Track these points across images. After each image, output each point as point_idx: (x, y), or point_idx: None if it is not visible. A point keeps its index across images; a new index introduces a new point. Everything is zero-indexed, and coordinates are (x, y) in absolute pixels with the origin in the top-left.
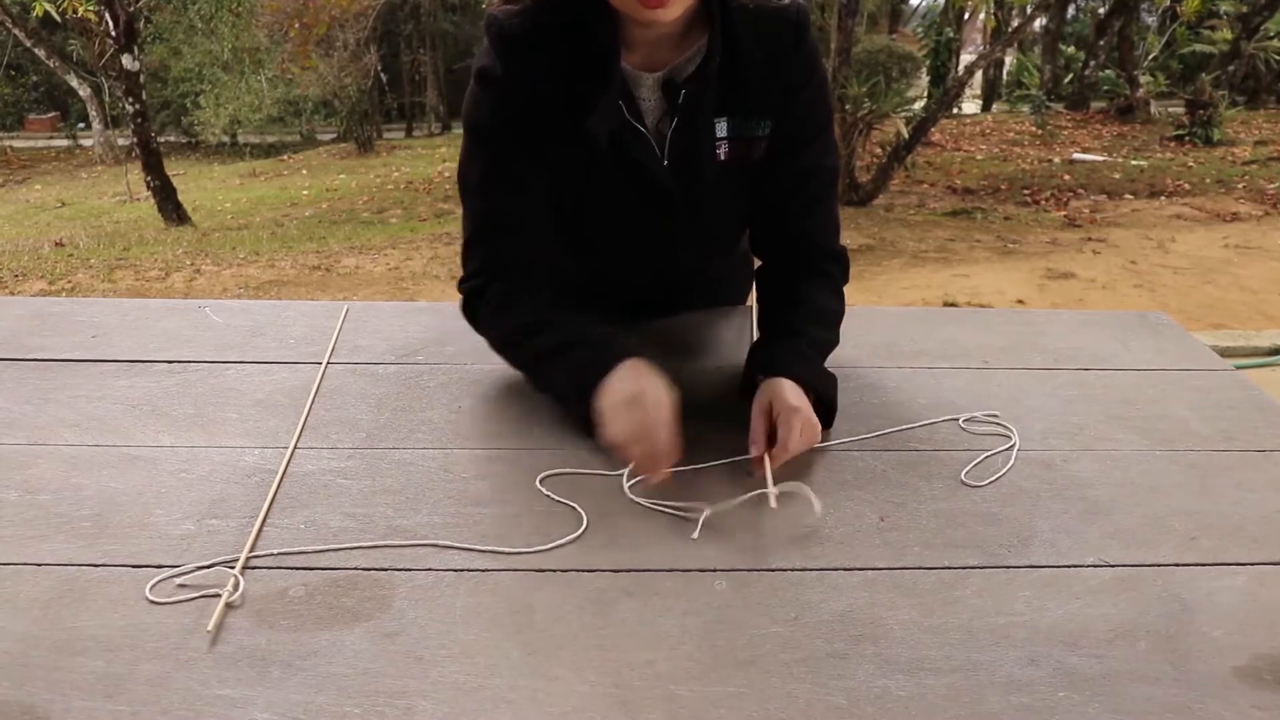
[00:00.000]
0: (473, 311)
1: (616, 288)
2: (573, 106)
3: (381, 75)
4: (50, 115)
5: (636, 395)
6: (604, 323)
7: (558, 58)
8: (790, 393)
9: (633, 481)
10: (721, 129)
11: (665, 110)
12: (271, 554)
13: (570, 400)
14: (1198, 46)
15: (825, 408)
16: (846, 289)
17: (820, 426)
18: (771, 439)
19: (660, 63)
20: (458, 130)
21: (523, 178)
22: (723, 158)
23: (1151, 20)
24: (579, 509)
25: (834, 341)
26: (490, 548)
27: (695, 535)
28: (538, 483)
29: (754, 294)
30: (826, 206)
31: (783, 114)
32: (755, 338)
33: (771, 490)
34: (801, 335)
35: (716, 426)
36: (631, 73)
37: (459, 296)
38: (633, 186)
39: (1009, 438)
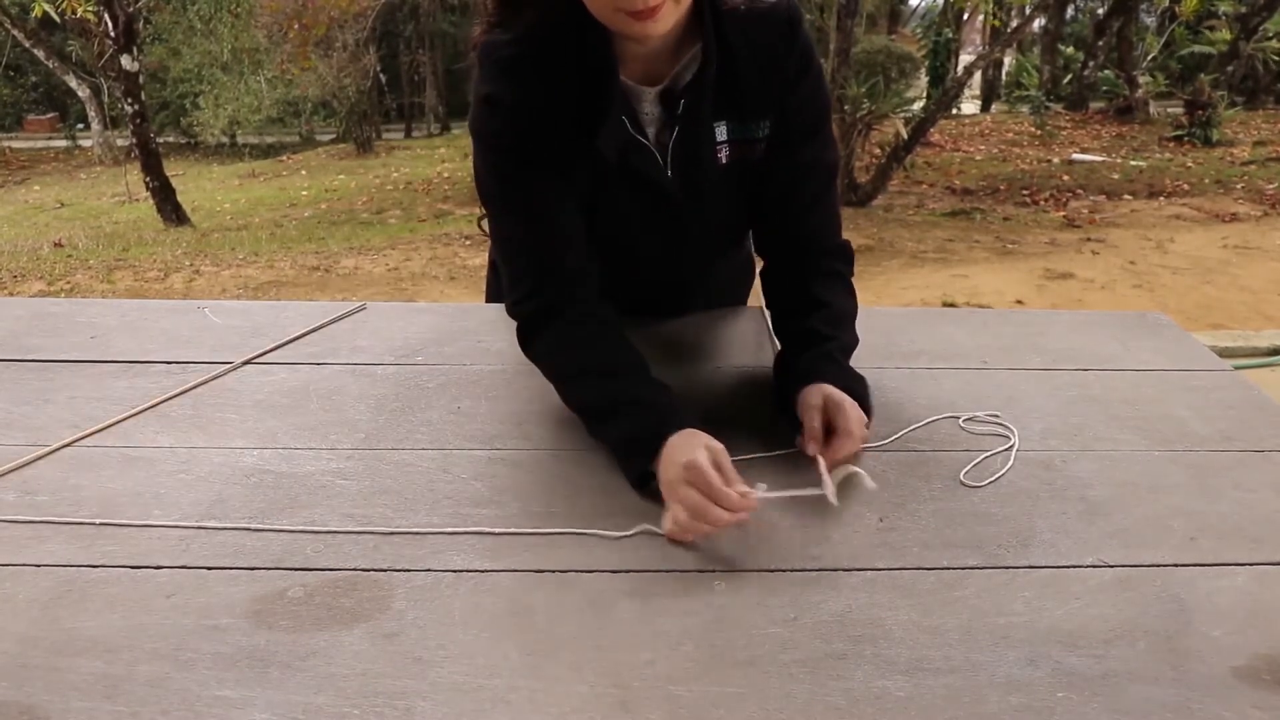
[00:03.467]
0: (527, 339)
1: (623, 290)
2: (579, 125)
3: (380, 76)
4: (49, 116)
5: (691, 464)
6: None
7: (557, 79)
8: (835, 391)
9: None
10: (721, 133)
11: (665, 121)
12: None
13: (622, 457)
14: (1196, 47)
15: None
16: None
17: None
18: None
19: (658, 75)
20: (457, 130)
21: (555, 193)
22: (724, 161)
23: (1150, 21)
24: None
25: (856, 342)
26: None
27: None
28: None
29: (757, 295)
30: (828, 202)
31: (780, 111)
32: (774, 345)
33: (830, 490)
34: (829, 340)
35: (724, 426)
36: (632, 87)
37: (514, 321)
38: (640, 197)
39: (1009, 438)
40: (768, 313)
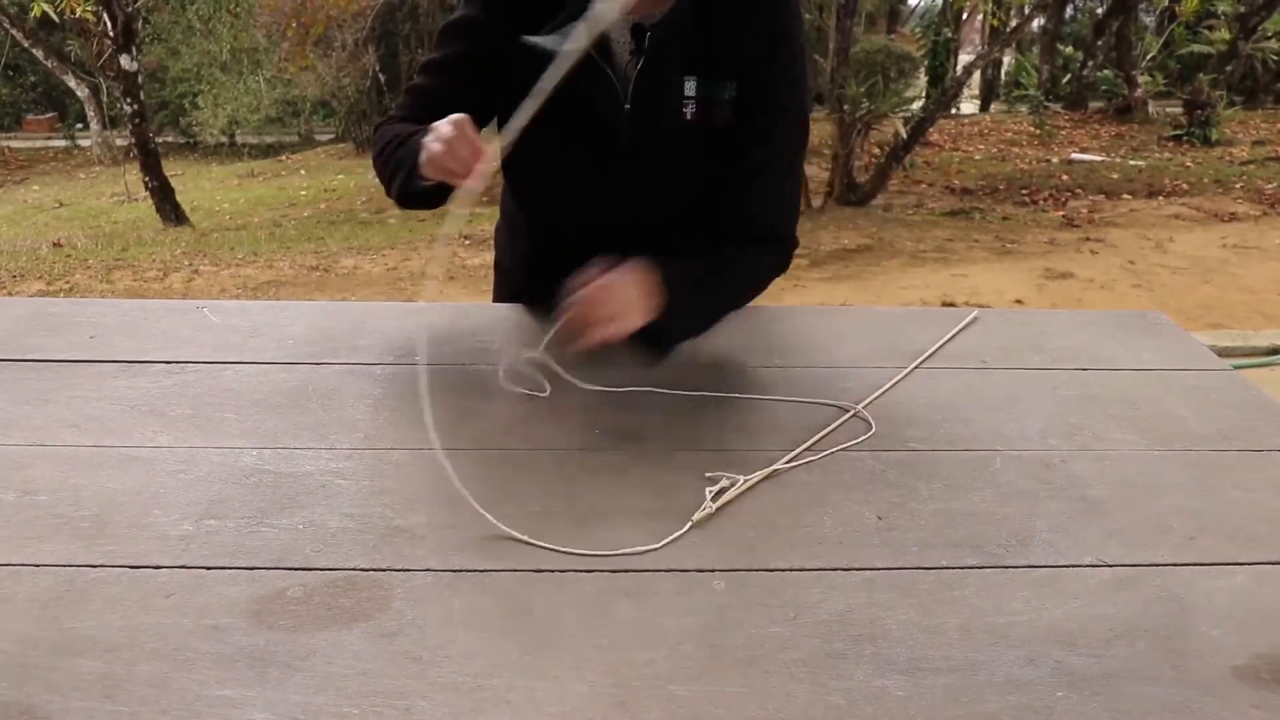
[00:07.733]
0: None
1: (573, 251)
2: (531, 26)
3: (380, 75)
4: (48, 116)
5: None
6: None
7: None
8: (627, 272)
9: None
10: (690, 88)
11: (632, 54)
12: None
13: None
14: (1196, 46)
15: (650, 334)
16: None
17: (623, 323)
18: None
19: (634, 10)
20: None
21: (464, 78)
22: (689, 117)
23: (1149, 20)
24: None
25: (708, 298)
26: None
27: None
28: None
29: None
30: (773, 181)
31: (748, 74)
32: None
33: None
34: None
35: (710, 429)
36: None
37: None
38: (588, 123)
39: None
40: None
